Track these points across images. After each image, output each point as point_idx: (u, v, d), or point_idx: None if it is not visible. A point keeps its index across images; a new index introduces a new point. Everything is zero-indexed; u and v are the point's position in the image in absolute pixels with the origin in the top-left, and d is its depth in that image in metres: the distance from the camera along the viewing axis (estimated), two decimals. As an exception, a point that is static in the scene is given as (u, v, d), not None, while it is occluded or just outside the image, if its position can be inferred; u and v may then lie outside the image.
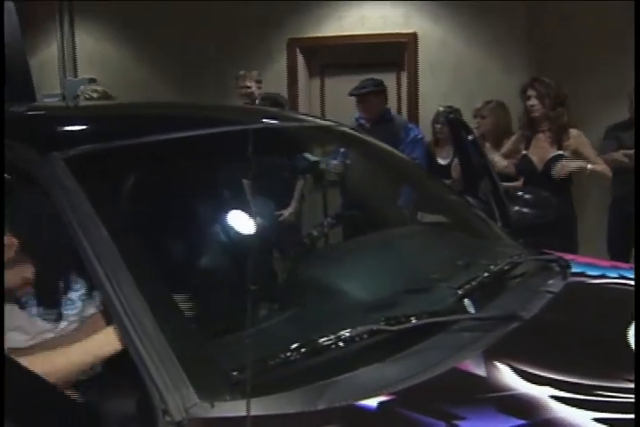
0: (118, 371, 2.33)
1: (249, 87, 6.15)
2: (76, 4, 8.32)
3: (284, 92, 7.19)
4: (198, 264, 2.74)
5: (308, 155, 3.17)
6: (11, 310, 2.13)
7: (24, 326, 2.14)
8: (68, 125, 2.43)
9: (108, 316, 1.99)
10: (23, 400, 1.58)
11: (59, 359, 2.07)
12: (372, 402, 1.65)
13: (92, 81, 7.98)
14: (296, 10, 7.44)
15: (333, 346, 1.81)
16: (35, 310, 2.18)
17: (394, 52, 7.36)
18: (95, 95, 5.74)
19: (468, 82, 6.96)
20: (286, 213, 4.97)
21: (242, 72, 6.28)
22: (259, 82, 6.23)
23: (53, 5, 8.30)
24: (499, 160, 4.96)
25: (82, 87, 6.01)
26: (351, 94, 5.82)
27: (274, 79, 7.44)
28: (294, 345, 1.77)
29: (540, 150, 4.82)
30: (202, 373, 1.68)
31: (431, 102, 6.84)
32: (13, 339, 2.15)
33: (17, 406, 1.54)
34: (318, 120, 3.11)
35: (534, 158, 4.83)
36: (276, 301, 2.45)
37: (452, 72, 7.09)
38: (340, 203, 4.35)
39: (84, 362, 2.09)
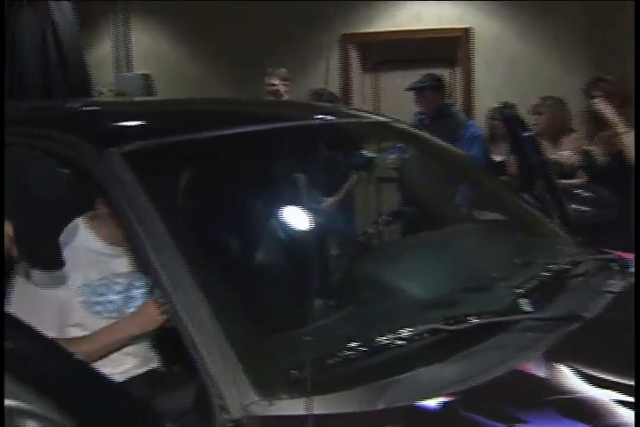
0: (175, 365, 2.34)
1: (274, 85, 6.13)
2: (131, 2, 8.38)
3: (337, 89, 7.17)
4: (253, 259, 2.74)
5: (364, 151, 3.15)
6: (72, 307, 2.15)
7: (83, 323, 2.16)
8: (124, 121, 2.44)
9: (161, 305, 2.00)
10: (78, 393, 1.57)
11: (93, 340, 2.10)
12: (433, 403, 1.61)
13: (147, 77, 8.04)
14: (349, 9, 7.40)
15: (393, 345, 1.78)
16: (97, 307, 2.19)
17: (448, 48, 7.29)
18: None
19: (522, 78, 6.86)
20: (329, 200, 4.90)
21: (269, 69, 6.26)
22: (285, 79, 6.18)
23: (109, 4, 8.37)
24: (563, 153, 4.88)
25: (100, 88, 5.98)
26: (409, 89, 5.78)
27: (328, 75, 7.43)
28: (353, 344, 1.74)
29: (605, 147, 4.73)
30: (260, 370, 1.66)
31: (485, 98, 6.76)
32: (72, 335, 2.17)
33: (72, 398, 1.54)
34: (375, 116, 3.08)
35: (598, 155, 4.74)
36: (333, 298, 2.43)
37: (506, 68, 7.00)
38: (395, 199, 4.32)
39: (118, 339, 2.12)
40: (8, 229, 1.99)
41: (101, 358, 2.15)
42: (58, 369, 1.56)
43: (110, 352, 2.17)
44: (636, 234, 2.58)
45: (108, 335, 2.15)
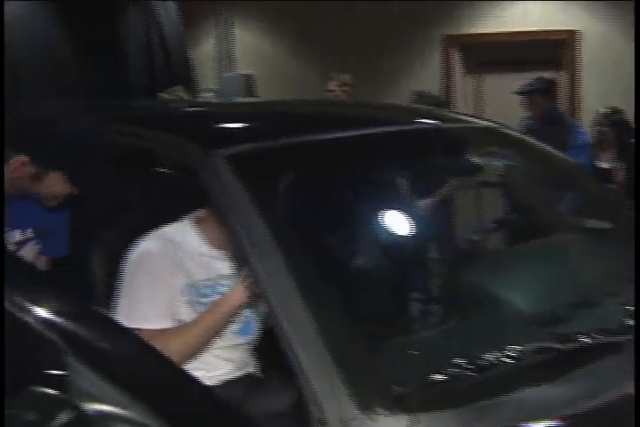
0: (272, 371, 2.31)
1: (332, 91, 6.06)
2: (232, 2, 8.45)
3: (439, 91, 7.09)
4: (354, 264, 2.70)
5: (470, 157, 3.08)
6: (177, 304, 2.15)
7: (187, 320, 2.15)
8: (229, 123, 2.43)
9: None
10: (172, 398, 1.56)
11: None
12: (540, 426, 1.54)
13: (248, 77, 8.07)
14: (453, 8, 7.31)
15: (499, 363, 1.70)
16: (201, 308, 2.18)
17: (552, 50, 7.14)
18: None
19: (627, 79, 6.65)
20: (423, 202, 4.81)
21: (331, 74, 6.21)
22: (344, 85, 6.10)
23: (211, 3, 8.45)
24: None
25: (166, 92, 5.96)
26: (518, 93, 5.67)
27: (428, 77, 7.36)
28: (458, 360, 1.67)
29: None
30: (362, 383, 1.60)
31: (590, 101, 6.59)
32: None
33: (166, 403, 1.52)
34: (481, 120, 3.00)
35: None
36: (435, 307, 2.37)
37: (612, 69, 6.81)
38: (496, 206, 4.22)
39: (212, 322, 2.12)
40: (56, 177, 2.12)
41: (200, 347, 2.15)
42: (153, 373, 1.55)
43: (208, 340, 2.16)
44: (636, 239, 2.45)
45: (207, 317, 2.13)
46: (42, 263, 2.51)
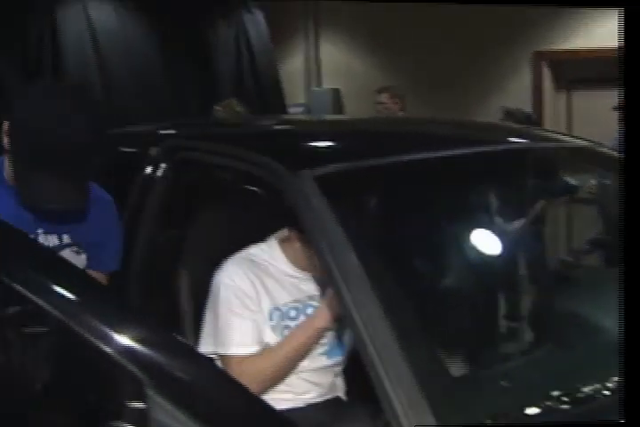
0: (361, 396, 2.26)
1: (383, 103, 5.92)
2: (321, 14, 8.46)
3: (529, 107, 6.96)
4: (442, 286, 2.64)
5: (564, 177, 2.99)
6: (263, 327, 2.12)
7: (272, 343, 2.12)
8: (318, 142, 2.41)
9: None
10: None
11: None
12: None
13: (336, 92, 8.06)
14: (545, 20, 7.18)
15: (598, 396, 1.61)
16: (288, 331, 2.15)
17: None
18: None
19: None
20: (515, 223, 4.70)
21: (381, 87, 6.08)
22: (395, 97, 5.96)
23: (299, 16, 8.49)
24: None
25: (220, 105, 5.77)
26: (616, 108, 5.54)
27: (520, 93, 7.25)
28: (554, 392, 1.59)
29: None
30: (452, 417, 1.53)
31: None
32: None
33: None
34: (574, 139, 2.91)
35: None
36: (528, 334, 2.28)
37: None
38: (593, 227, 4.09)
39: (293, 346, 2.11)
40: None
41: (289, 368, 2.13)
42: (236, 406, 1.51)
43: (296, 362, 2.13)
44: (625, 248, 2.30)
45: (294, 339, 2.11)
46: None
